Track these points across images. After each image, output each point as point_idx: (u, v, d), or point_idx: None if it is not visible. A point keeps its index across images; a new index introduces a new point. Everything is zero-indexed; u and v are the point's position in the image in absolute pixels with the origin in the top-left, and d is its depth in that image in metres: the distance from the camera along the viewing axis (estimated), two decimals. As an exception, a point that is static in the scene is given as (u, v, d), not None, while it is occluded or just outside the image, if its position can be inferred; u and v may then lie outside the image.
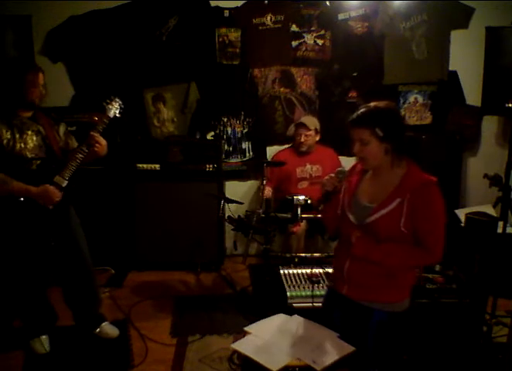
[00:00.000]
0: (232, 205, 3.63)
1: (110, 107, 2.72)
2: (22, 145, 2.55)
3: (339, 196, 2.02)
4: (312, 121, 3.95)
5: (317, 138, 4.00)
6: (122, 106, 2.77)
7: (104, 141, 2.65)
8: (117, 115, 2.75)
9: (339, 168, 1.99)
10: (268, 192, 3.81)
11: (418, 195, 1.80)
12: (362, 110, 1.87)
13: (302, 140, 3.92)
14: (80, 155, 2.60)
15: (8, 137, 2.53)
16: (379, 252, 1.84)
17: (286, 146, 4.28)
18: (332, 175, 1.96)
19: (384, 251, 1.84)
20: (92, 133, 2.61)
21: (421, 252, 1.84)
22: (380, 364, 1.95)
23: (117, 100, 2.76)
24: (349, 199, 1.98)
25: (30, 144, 2.58)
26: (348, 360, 1.79)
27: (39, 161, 2.59)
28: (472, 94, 4.40)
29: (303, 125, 3.91)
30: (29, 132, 2.60)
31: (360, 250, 1.87)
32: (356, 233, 1.88)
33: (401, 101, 4.42)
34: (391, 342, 1.96)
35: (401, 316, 1.94)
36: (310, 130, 3.90)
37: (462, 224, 3.11)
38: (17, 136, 2.54)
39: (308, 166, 3.98)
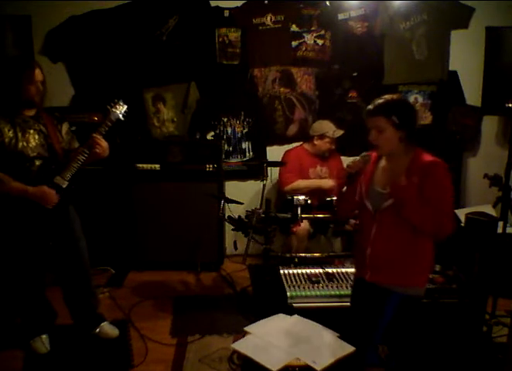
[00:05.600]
0: (232, 205, 3.63)
1: (114, 110, 2.70)
2: (25, 144, 2.55)
3: (358, 183, 2.14)
4: (335, 131, 3.89)
5: None
6: (126, 110, 2.74)
7: (105, 143, 2.64)
8: (121, 119, 2.73)
9: (364, 153, 2.11)
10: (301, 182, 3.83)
11: (424, 175, 1.94)
12: (379, 101, 2.02)
13: (327, 148, 3.91)
14: (82, 157, 2.59)
15: (11, 135, 2.52)
16: (415, 201, 1.91)
17: (286, 146, 4.29)
18: (359, 158, 2.08)
19: (418, 203, 1.91)
20: (94, 135, 2.60)
21: (435, 214, 1.92)
22: (390, 344, 2.05)
23: (121, 103, 2.73)
24: (366, 188, 2.10)
25: (32, 143, 2.58)
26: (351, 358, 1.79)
27: (40, 161, 2.59)
28: (472, 94, 4.40)
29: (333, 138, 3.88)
30: (31, 131, 2.59)
31: (404, 193, 1.92)
32: (403, 180, 1.94)
33: (401, 101, 4.42)
34: (405, 326, 2.04)
35: (418, 302, 2.06)
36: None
37: (462, 224, 3.11)
38: (19, 135, 2.54)
39: (319, 168, 3.97)
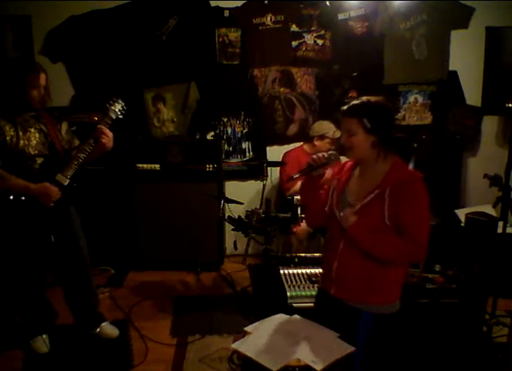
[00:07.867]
0: (232, 205, 3.63)
1: (113, 108, 2.71)
2: (26, 142, 2.57)
3: (321, 182, 2.00)
4: (336, 131, 3.88)
5: None
6: (125, 107, 2.76)
7: (110, 133, 2.65)
8: (120, 116, 2.75)
9: (333, 152, 1.98)
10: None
11: (398, 191, 1.79)
12: (354, 101, 1.88)
13: (327, 149, 3.89)
14: (83, 154, 2.60)
15: (12, 133, 2.54)
16: (371, 238, 1.80)
17: (286, 146, 4.29)
18: (325, 154, 1.95)
19: (376, 240, 1.80)
20: (99, 126, 2.62)
21: (408, 245, 1.78)
22: (368, 366, 1.93)
23: (120, 101, 2.74)
24: (338, 197, 1.96)
25: (33, 142, 2.59)
26: (345, 361, 1.78)
27: (42, 159, 2.60)
28: (472, 94, 4.40)
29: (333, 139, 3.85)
30: (32, 130, 2.61)
31: (355, 231, 1.81)
32: (354, 217, 1.82)
33: (401, 101, 4.42)
34: (380, 344, 1.93)
35: (391, 318, 1.91)
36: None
37: (462, 224, 3.11)
38: (20, 133, 2.56)
39: None
